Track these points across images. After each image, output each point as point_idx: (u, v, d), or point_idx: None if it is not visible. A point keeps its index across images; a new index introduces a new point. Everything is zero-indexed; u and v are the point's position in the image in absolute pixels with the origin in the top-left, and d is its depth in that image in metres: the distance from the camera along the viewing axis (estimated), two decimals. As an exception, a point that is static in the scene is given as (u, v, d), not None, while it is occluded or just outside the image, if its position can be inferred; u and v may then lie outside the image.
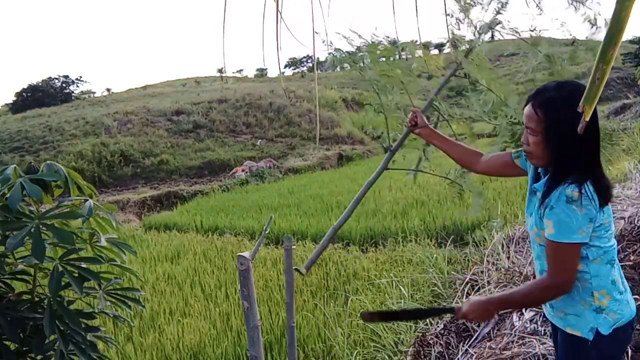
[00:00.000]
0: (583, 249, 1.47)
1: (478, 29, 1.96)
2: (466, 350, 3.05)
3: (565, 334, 1.57)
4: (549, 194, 1.44)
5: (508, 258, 4.35)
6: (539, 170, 1.60)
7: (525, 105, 1.51)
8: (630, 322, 1.51)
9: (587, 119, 0.67)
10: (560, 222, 1.40)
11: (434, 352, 3.19)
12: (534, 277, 1.71)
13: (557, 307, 1.58)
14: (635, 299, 2.89)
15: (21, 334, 1.49)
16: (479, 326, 3.35)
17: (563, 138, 1.40)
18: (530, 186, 1.62)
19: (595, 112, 1.39)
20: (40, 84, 43.62)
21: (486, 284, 3.87)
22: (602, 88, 0.66)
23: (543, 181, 1.52)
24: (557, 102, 1.41)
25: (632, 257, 3.34)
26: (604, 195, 1.42)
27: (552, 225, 1.42)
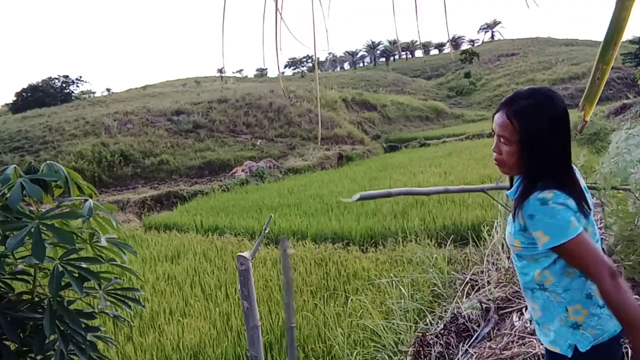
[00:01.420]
0: (553, 261, 1.43)
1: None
2: (466, 350, 3.05)
3: (547, 351, 1.54)
4: (522, 203, 1.40)
5: (508, 258, 4.34)
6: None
7: (497, 112, 1.47)
8: (614, 337, 1.43)
9: (588, 118, 0.67)
10: (548, 226, 1.35)
11: (434, 352, 3.19)
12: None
13: (542, 322, 1.53)
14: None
15: (21, 334, 1.49)
16: (478, 326, 3.35)
17: (539, 147, 1.38)
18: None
19: (567, 118, 1.39)
20: (40, 84, 43.65)
21: (486, 284, 3.87)
22: (602, 88, 0.66)
23: (514, 189, 1.50)
24: (532, 111, 1.38)
25: (632, 257, 3.34)
26: (579, 201, 1.38)
27: (543, 232, 1.36)
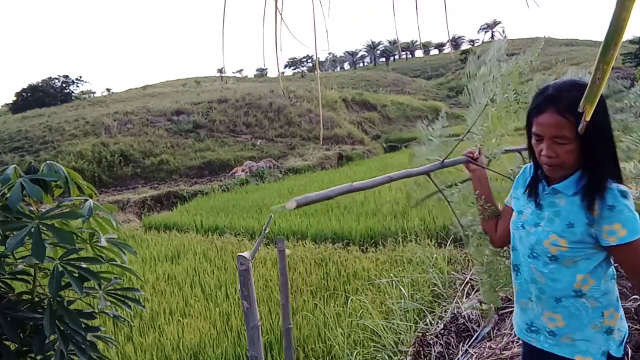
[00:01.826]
0: (598, 263, 1.39)
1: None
2: (466, 350, 3.06)
3: None
4: (596, 194, 1.33)
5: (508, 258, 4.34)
6: (539, 180, 1.50)
7: (540, 114, 1.35)
8: (626, 336, 1.46)
9: (588, 118, 0.67)
10: (628, 220, 1.30)
11: (434, 352, 3.19)
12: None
13: (563, 333, 1.45)
14: (636, 299, 2.90)
15: (21, 334, 1.49)
16: (478, 326, 3.35)
17: (600, 137, 1.32)
18: (526, 199, 1.53)
19: (607, 110, 1.35)
20: (40, 84, 43.66)
21: (486, 284, 3.86)
22: (603, 88, 0.66)
23: (568, 183, 1.40)
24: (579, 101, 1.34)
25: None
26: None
27: (622, 225, 1.30)
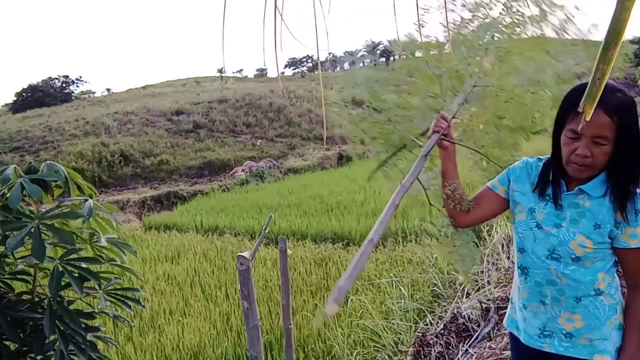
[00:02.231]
0: (614, 261, 1.43)
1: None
2: (466, 350, 3.06)
3: None
4: (624, 200, 1.34)
5: (508, 258, 4.35)
6: (550, 178, 1.47)
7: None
8: None
9: (588, 118, 0.67)
10: None
11: (434, 352, 3.19)
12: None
13: (580, 334, 1.44)
14: None
15: (21, 334, 1.49)
16: (478, 326, 3.35)
17: (634, 140, 1.32)
18: (536, 197, 1.48)
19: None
20: (40, 84, 43.64)
21: (486, 284, 3.87)
22: (602, 88, 0.66)
23: (595, 184, 1.39)
24: (627, 105, 1.30)
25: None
26: None
27: None
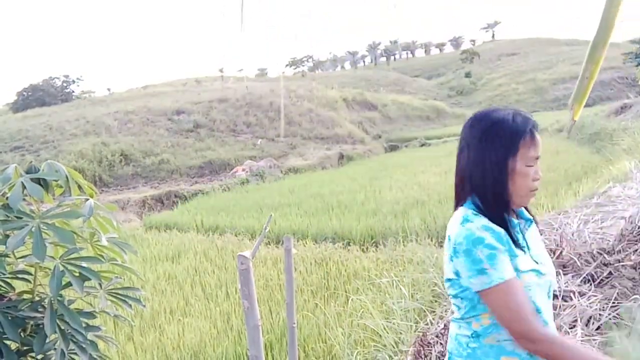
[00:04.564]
0: None
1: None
2: (467, 350, 3.05)
3: None
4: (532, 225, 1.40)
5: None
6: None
7: (533, 136, 1.31)
8: None
9: (577, 118, 0.67)
10: None
11: (435, 351, 3.19)
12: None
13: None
14: (636, 299, 2.90)
15: (22, 333, 1.49)
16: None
17: None
18: (518, 233, 1.35)
19: None
20: (41, 84, 43.62)
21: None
22: (591, 87, 0.66)
23: (522, 212, 1.42)
24: None
25: (632, 257, 3.34)
26: None
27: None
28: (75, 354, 1.50)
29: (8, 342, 1.43)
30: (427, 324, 3.69)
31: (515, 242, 1.29)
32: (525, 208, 1.40)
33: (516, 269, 1.27)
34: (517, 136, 1.27)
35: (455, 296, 1.35)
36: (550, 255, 3.79)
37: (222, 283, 5.94)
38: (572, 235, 4.15)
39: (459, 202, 1.39)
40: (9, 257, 1.49)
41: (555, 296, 3.14)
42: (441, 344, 3.24)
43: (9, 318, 1.41)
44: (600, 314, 2.84)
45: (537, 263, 1.32)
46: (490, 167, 1.28)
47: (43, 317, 1.41)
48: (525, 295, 1.24)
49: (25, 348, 1.51)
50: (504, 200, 1.30)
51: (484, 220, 1.28)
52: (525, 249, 1.32)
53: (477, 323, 1.32)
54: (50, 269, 1.43)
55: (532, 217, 1.42)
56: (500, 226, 1.28)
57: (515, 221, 1.36)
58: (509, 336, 1.25)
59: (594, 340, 2.62)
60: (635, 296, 2.93)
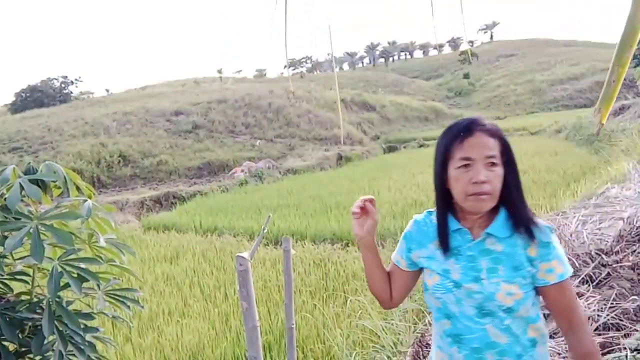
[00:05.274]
0: (539, 304, 1.37)
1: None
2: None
3: None
4: (531, 236, 1.28)
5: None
6: (448, 227, 1.36)
7: (465, 138, 1.26)
8: None
9: (604, 121, 0.66)
10: (561, 256, 1.29)
11: (433, 352, 3.18)
12: None
13: None
14: (634, 300, 2.90)
15: (20, 335, 1.49)
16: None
17: (515, 169, 1.30)
18: (444, 255, 1.35)
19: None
20: (39, 85, 43.60)
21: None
22: (618, 89, 0.65)
23: (499, 224, 1.30)
24: (500, 130, 1.31)
25: (631, 258, 3.34)
26: None
27: (558, 262, 1.27)
28: (74, 355, 1.50)
29: (6, 344, 1.43)
30: (425, 325, 3.69)
31: (443, 244, 1.35)
32: (533, 228, 1.28)
33: (429, 267, 1.39)
34: (450, 140, 1.29)
35: None
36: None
37: (221, 284, 5.93)
38: (571, 236, 4.15)
39: None
40: (7, 258, 1.49)
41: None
42: (440, 344, 3.24)
43: (7, 319, 1.41)
44: (598, 315, 2.84)
45: (459, 274, 1.32)
46: (435, 172, 1.37)
47: (41, 318, 1.41)
48: (393, 277, 1.53)
49: (23, 349, 1.51)
50: (442, 203, 1.36)
51: (427, 216, 1.44)
52: (452, 255, 1.34)
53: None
54: (48, 270, 1.43)
55: (535, 240, 1.28)
56: (445, 229, 1.35)
57: (470, 235, 1.33)
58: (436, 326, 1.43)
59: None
60: (633, 297, 2.94)
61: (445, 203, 1.36)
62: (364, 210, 1.48)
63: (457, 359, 1.35)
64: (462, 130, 1.27)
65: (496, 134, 1.27)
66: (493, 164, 1.25)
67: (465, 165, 1.25)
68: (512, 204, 1.29)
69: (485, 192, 1.24)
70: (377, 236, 7.19)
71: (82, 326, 1.52)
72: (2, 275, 1.50)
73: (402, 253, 1.49)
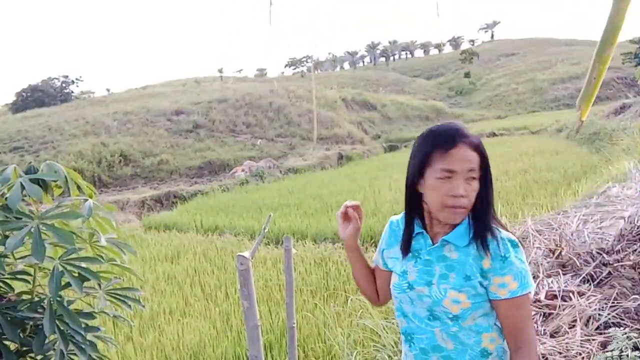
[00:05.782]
0: (496, 318, 1.33)
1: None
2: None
3: None
4: (487, 247, 1.26)
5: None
6: (416, 230, 1.39)
7: (451, 149, 1.24)
8: None
9: (584, 118, 0.67)
10: (519, 272, 1.26)
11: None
12: None
13: None
14: (635, 299, 2.90)
15: (21, 334, 1.49)
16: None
17: (491, 181, 1.30)
18: (404, 257, 1.39)
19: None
20: (40, 84, 43.64)
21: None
22: (599, 87, 0.66)
23: (459, 233, 1.30)
24: (482, 144, 1.29)
25: (632, 257, 3.34)
26: None
27: (513, 278, 1.25)
28: (75, 354, 1.50)
29: (7, 343, 1.43)
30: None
31: (403, 246, 1.40)
32: (490, 240, 1.27)
33: (394, 267, 1.44)
34: (431, 148, 1.27)
35: None
36: (549, 255, 3.80)
37: (222, 283, 5.94)
38: (572, 235, 4.15)
39: None
40: (8, 257, 1.49)
41: (554, 296, 3.14)
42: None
43: (8, 319, 1.41)
44: (599, 314, 2.84)
45: (414, 276, 1.35)
46: (409, 174, 1.35)
47: (42, 317, 1.41)
48: (377, 276, 1.55)
49: (24, 349, 1.51)
50: (412, 207, 1.39)
51: (402, 219, 1.47)
52: (412, 257, 1.38)
53: None
54: (49, 270, 1.43)
55: (488, 252, 1.27)
56: (409, 231, 1.40)
57: (430, 240, 1.36)
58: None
59: (594, 340, 2.62)
60: (634, 296, 2.93)
61: (415, 206, 1.38)
62: (346, 216, 1.51)
63: (409, 357, 1.41)
64: (446, 141, 1.25)
65: (477, 147, 1.26)
66: (472, 178, 1.25)
67: (446, 177, 1.25)
68: (477, 215, 1.29)
69: (463, 206, 1.25)
70: (378, 235, 7.16)
71: (83, 325, 1.52)
72: (3, 275, 1.50)
73: (378, 253, 1.54)
